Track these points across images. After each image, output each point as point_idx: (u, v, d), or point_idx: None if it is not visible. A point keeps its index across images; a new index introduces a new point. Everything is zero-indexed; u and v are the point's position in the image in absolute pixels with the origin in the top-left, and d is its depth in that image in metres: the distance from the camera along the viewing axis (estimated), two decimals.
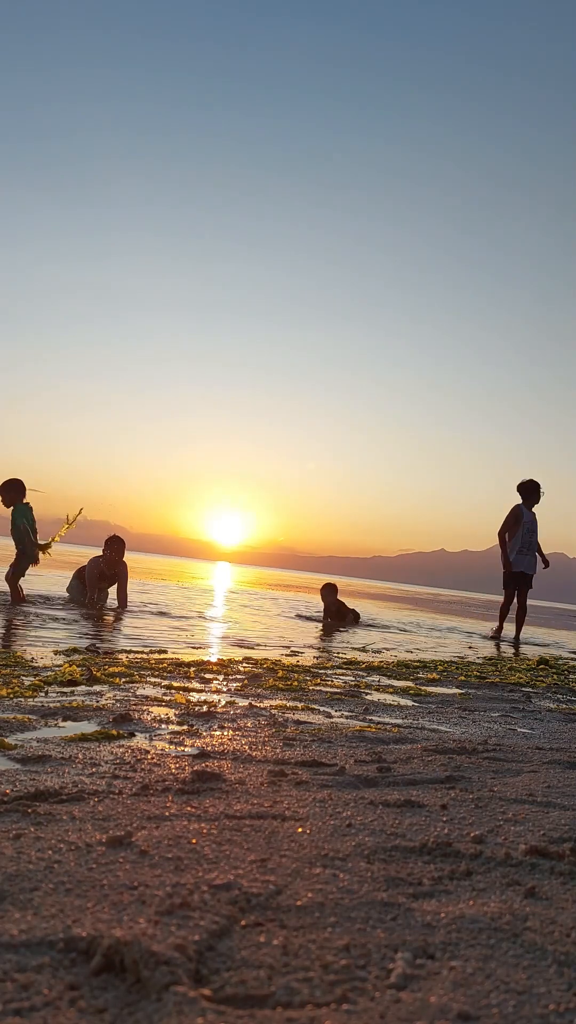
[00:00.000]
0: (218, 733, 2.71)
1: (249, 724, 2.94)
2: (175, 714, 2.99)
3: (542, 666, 7.04)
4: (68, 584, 9.18)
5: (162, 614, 8.56)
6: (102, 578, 8.83)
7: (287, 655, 5.88)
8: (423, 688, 4.62)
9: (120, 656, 4.60)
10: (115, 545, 8.80)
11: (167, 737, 2.58)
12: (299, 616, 11.22)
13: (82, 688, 3.41)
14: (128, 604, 8.91)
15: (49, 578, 12.87)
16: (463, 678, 5.42)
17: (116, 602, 8.94)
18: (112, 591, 9.18)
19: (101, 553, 8.86)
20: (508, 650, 9.25)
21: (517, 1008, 0.99)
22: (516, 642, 10.72)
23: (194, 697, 3.43)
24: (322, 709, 3.52)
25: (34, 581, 11.49)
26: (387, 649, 7.37)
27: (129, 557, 9.15)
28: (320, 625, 9.93)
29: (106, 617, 7.59)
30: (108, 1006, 0.95)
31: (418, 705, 3.96)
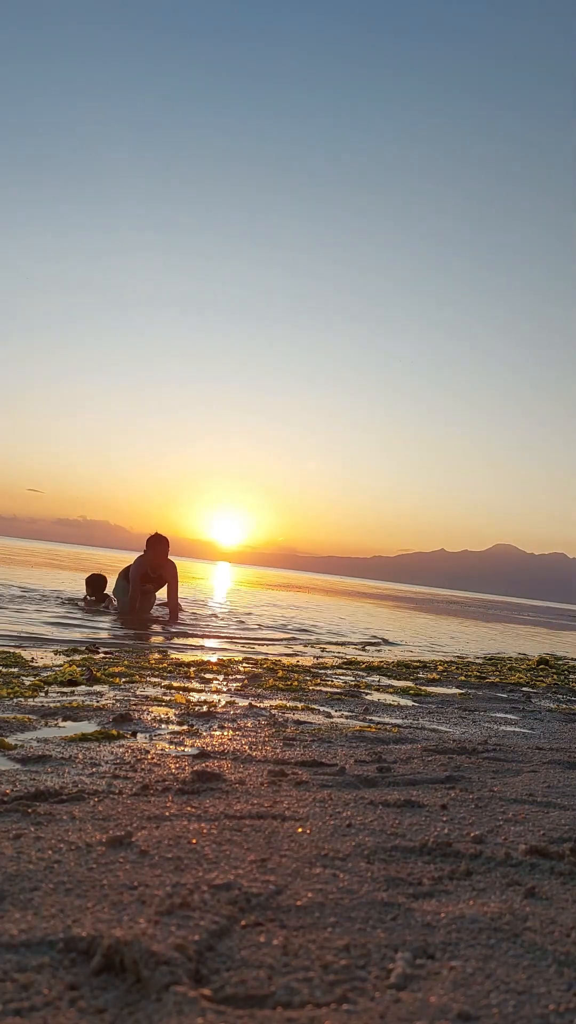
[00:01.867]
0: (218, 733, 2.71)
1: (249, 724, 2.94)
2: (175, 714, 2.99)
3: (542, 666, 7.05)
4: (114, 586, 8.28)
5: (162, 614, 8.54)
6: (146, 580, 7.85)
7: (287, 655, 5.88)
8: (423, 688, 4.62)
9: (120, 656, 4.60)
10: (157, 545, 7.71)
11: (167, 737, 2.58)
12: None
13: (82, 688, 3.41)
14: (177, 610, 7.83)
15: (61, 578, 12.89)
16: (463, 678, 5.42)
17: (166, 609, 7.98)
18: (161, 595, 8.21)
19: (144, 552, 7.86)
20: (507, 652, 9.26)
21: (517, 1008, 0.99)
22: None
23: (194, 697, 3.43)
24: (322, 709, 3.52)
25: (52, 580, 11.51)
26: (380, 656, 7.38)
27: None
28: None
29: (153, 625, 7.03)
30: (108, 1006, 0.95)
31: (418, 705, 3.96)
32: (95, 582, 8.76)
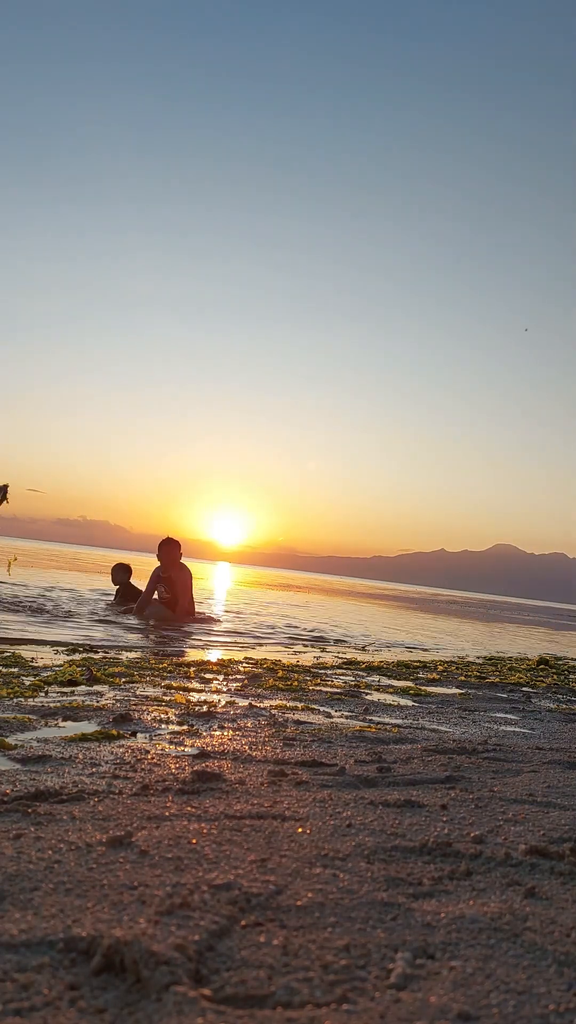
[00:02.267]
0: (218, 733, 2.71)
1: (249, 724, 2.94)
2: (175, 714, 2.99)
3: (542, 666, 7.05)
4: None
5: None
6: (157, 581, 7.88)
7: (287, 655, 5.88)
8: (423, 688, 4.62)
9: (120, 656, 4.60)
10: (164, 548, 7.76)
11: (167, 737, 2.58)
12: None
13: (82, 688, 3.41)
14: (188, 616, 7.82)
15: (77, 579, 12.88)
16: (463, 678, 5.42)
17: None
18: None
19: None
20: (507, 651, 9.26)
21: (517, 1008, 0.99)
22: None
23: (194, 697, 3.43)
24: (322, 709, 3.52)
25: (54, 580, 11.50)
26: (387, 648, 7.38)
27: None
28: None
29: (156, 626, 7.03)
30: (108, 1006, 0.95)
31: (418, 705, 3.96)
32: (121, 572, 8.50)
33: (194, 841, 1.53)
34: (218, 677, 4.18)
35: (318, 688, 4.19)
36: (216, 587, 20.32)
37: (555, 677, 6.25)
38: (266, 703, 3.50)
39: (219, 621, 8.29)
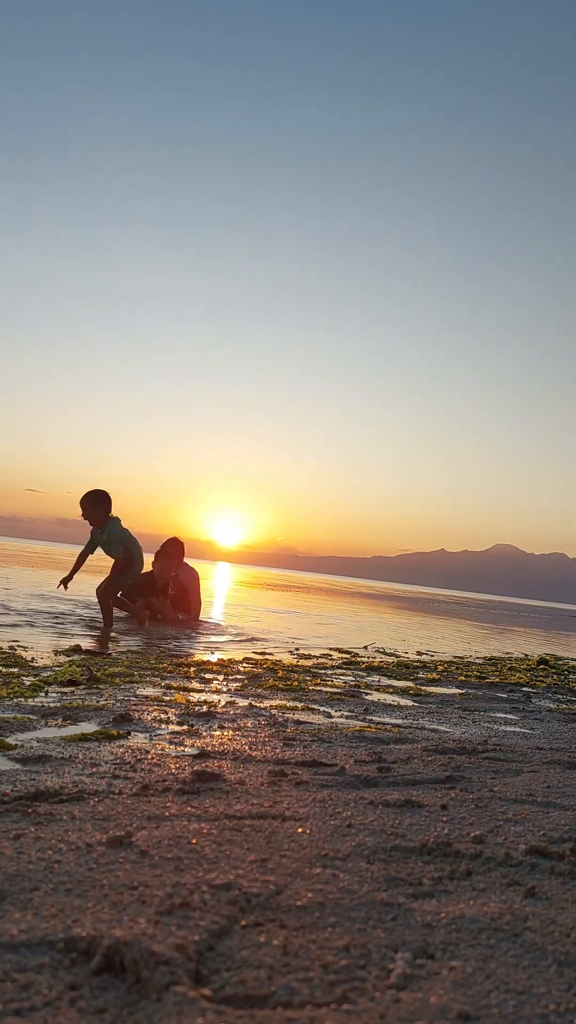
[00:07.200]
0: (218, 733, 2.71)
1: (249, 724, 2.94)
2: (175, 714, 2.99)
3: (542, 666, 7.05)
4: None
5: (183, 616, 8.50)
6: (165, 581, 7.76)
7: (288, 655, 5.88)
8: (423, 688, 4.62)
9: (120, 656, 4.60)
10: (166, 547, 7.67)
11: (167, 737, 2.58)
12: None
13: (82, 688, 3.40)
14: (193, 618, 7.70)
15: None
16: (463, 678, 5.42)
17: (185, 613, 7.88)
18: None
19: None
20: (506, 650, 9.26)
21: (517, 1008, 0.99)
22: None
23: (194, 697, 3.43)
24: (322, 709, 3.52)
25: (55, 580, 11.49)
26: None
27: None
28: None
29: (158, 624, 7.06)
30: (108, 1006, 0.95)
31: (418, 705, 3.96)
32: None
33: (194, 841, 1.53)
34: (218, 677, 4.18)
35: (318, 688, 4.19)
36: (216, 587, 20.32)
37: (555, 677, 6.25)
38: (266, 703, 3.50)
39: (218, 623, 8.30)
